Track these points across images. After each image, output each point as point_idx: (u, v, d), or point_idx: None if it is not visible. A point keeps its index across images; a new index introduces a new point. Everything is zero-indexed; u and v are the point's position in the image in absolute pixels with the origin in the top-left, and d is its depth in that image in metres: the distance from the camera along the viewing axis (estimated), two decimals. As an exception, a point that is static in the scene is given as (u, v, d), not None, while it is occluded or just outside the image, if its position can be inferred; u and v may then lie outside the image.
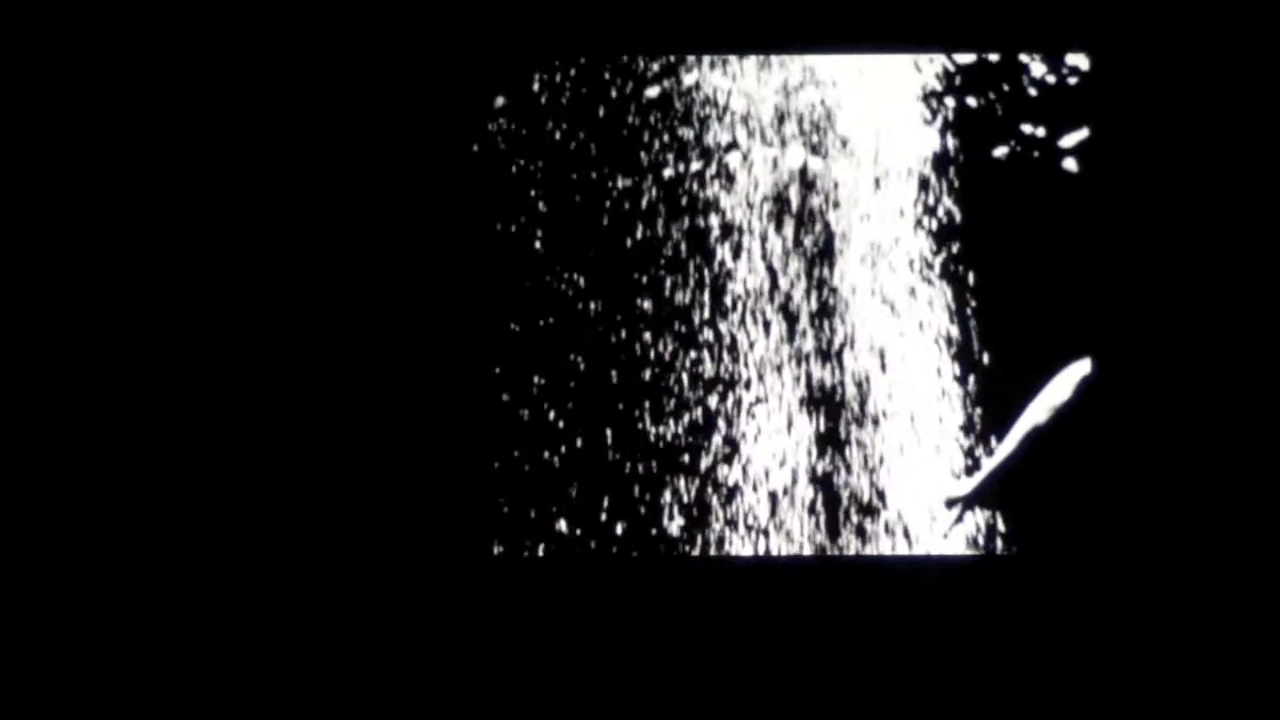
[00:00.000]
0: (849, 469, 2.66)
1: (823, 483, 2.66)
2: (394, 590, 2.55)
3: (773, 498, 2.65)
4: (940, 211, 2.70)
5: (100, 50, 2.58)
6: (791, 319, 2.69)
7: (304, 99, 2.60)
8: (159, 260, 2.58)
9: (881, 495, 2.65)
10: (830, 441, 2.67)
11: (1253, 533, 2.52)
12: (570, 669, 2.53)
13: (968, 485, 2.62)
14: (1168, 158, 2.59)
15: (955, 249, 2.68)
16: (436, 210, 2.63)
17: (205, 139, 2.59)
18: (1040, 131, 2.66)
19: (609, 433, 2.64)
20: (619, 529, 2.62)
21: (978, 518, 2.63)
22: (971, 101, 2.69)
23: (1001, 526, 2.62)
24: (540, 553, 2.61)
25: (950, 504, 2.62)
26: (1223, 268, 2.57)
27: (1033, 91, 2.67)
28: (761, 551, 2.63)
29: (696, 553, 2.62)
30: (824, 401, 2.68)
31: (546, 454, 2.63)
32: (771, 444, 2.66)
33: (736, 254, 2.70)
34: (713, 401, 2.66)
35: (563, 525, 2.62)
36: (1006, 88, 2.68)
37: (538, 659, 2.54)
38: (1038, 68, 2.67)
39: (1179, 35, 2.58)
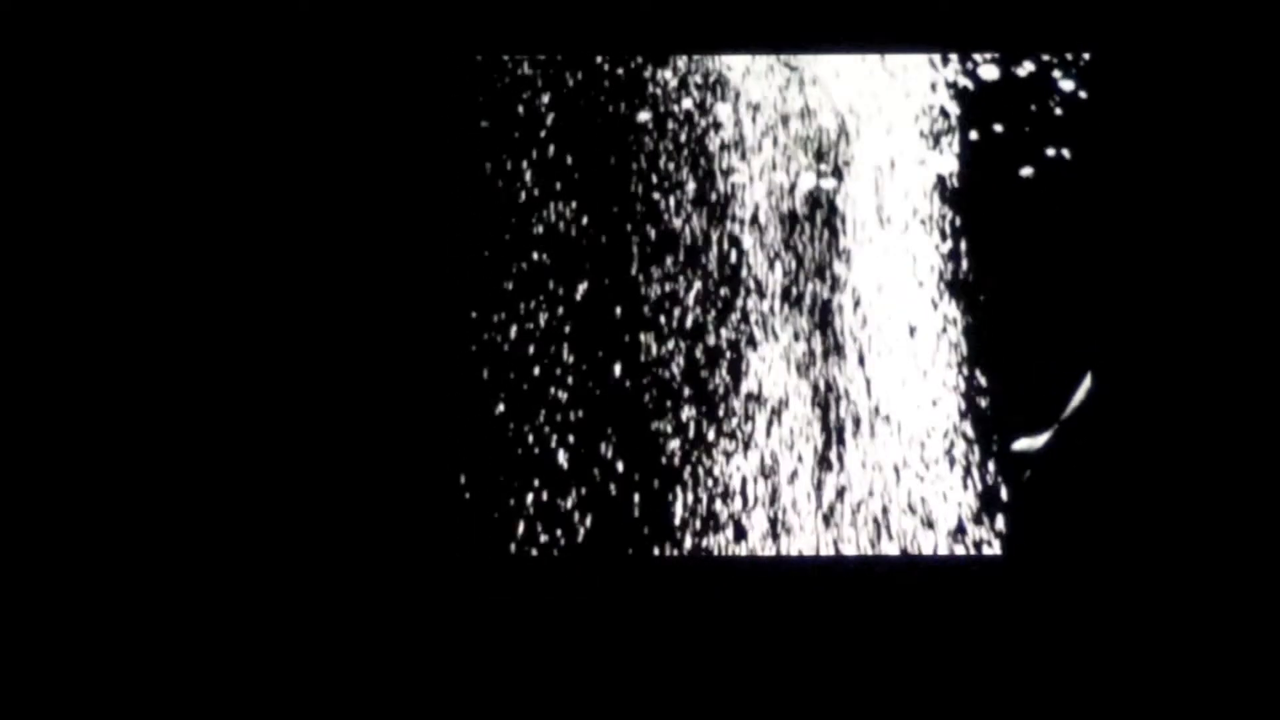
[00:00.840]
0: (852, 469, 2.66)
1: (825, 483, 2.66)
2: (395, 590, 2.56)
3: (774, 496, 2.65)
4: (941, 216, 2.69)
5: (96, 49, 2.58)
6: (797, 326, 2.69)
7: (301, 98, 2.60)
8: (151, 260, 2.58)
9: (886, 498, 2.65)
10: (835, 447, 2.67)
11: (1252, 534, 2.52)
12: (568, 669, 2.55)
13: (1040, 439, 2.59)
14: (1171, 156, 2.58)
15: (957, 256, 2.68)
16: (437, 210, 2.63)
17: (195, 138, 2.59)
18: (1041, 131, 2.65)
19: (607, 432, 2.65)
20: (614, 529, 2.63)
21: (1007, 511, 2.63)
22: (973, 104, 2.68)
23: (1000, 527, 2.62)
24: (535, 551, 2.62)
25: (1021, 456, 2.60)
26: (1224, 268, 2.56)
27: (1033, 92, 2.66)
28: (761, 551, 2.63)
29: (695, 553, 2.63)
30: (826, 406, 2.69)
31: (543, 451, 2.64)
32: (771, 445, 2.67)
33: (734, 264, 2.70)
34: (710, 403, 2.67)
35: (558, 525, 2.63)
36: (1007, 90, 2.66)
37: (537, 659, 2.55)
38: (1038, 70, 2.65)
39: (1183, 35, 2.57)
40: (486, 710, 2.53)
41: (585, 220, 2.68)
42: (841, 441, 2.67)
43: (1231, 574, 2.51)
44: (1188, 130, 2.57)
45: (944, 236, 2.69)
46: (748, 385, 2.67)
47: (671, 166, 2.69)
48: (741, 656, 2.55)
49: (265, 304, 2.58)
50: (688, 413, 2.66)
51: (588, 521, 2.63)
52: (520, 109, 2.68)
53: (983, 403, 2.64)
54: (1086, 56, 2.63)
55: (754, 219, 2.71)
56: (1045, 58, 2.65)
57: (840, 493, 2.65)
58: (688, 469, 2.65)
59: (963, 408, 2.65)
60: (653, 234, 2.69)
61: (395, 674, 2.53)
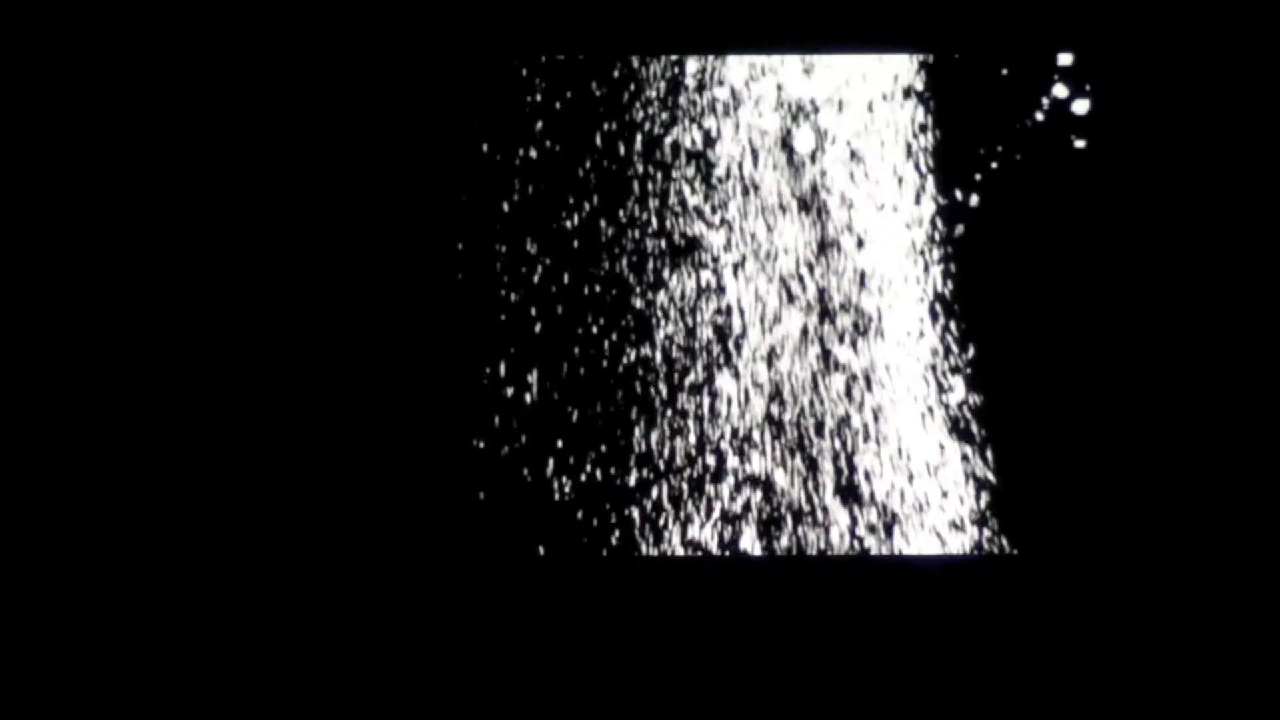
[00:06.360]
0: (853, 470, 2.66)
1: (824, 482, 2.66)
2: (385, 589, 2.55)
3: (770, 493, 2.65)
4: (938, 214, 2.70)
5: (99, 50, 2.59)
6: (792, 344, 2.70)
7: (302, 98, 2.61)
8: (152, 262, 2.58)
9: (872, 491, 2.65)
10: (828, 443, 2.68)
11: (1253, 532, 2.52)
12: (559, 669, 2.54)
13: None
14: (1164, 154, 2.60)
15: (954, 254, 2.69)
16: (433, 211, 2.64)
17: (194, 139, 2.59)
18: (1034, 129, 2.67)
19: (602, 434, 2.65)
20: (610, 531, 2.62)
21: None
22: (966, 104, 2.69)
23: (1001, 527, 2.62)
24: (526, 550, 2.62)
25: None
26: (1223, 265, 2.57)
27: (1027, 92, 2.68)
28: (762, 549, 2.63)
29: (695, 552, 2.63)
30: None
31: (538, 450, 2.64)
32: (769, 443, 2.67)
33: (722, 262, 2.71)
34: (706, 402, 2.67)
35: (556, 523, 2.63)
36: (1001, 90, 2.68)
37: (529, 658, 2.54)
38: (1030, 69, 2.67)
39: (1170, 33, 2.59)
40: (479, 708, 2.51)
41: (587, 217, 2.69)
42: (843, 439, 2.67)
43: (1240, 571, 2.51)
44: (1180, 128, 2.59)
45: (941, 235, 2.70)
46: (744, 383, 2.68)
47: (670, 163, 2.71)
48: (738, 657, 2.54)
49: (275, 304, 2.58)
50: (684, 411, 2.66)
51: (580, 520, 2.62)
52: (519, 109, 2.69)
53: (986, 401, 2.64)
54: (1072, 56, 2.66)
55: (750, 218, 2.72)
56: (1036, 57, 2.67)
57: (842, 490, 2.65)
58: (684, 468, 2.64)
59: (965, 406, 2.66)
60: (650, 231, 2.70)
61: (389, 672, 2.52)
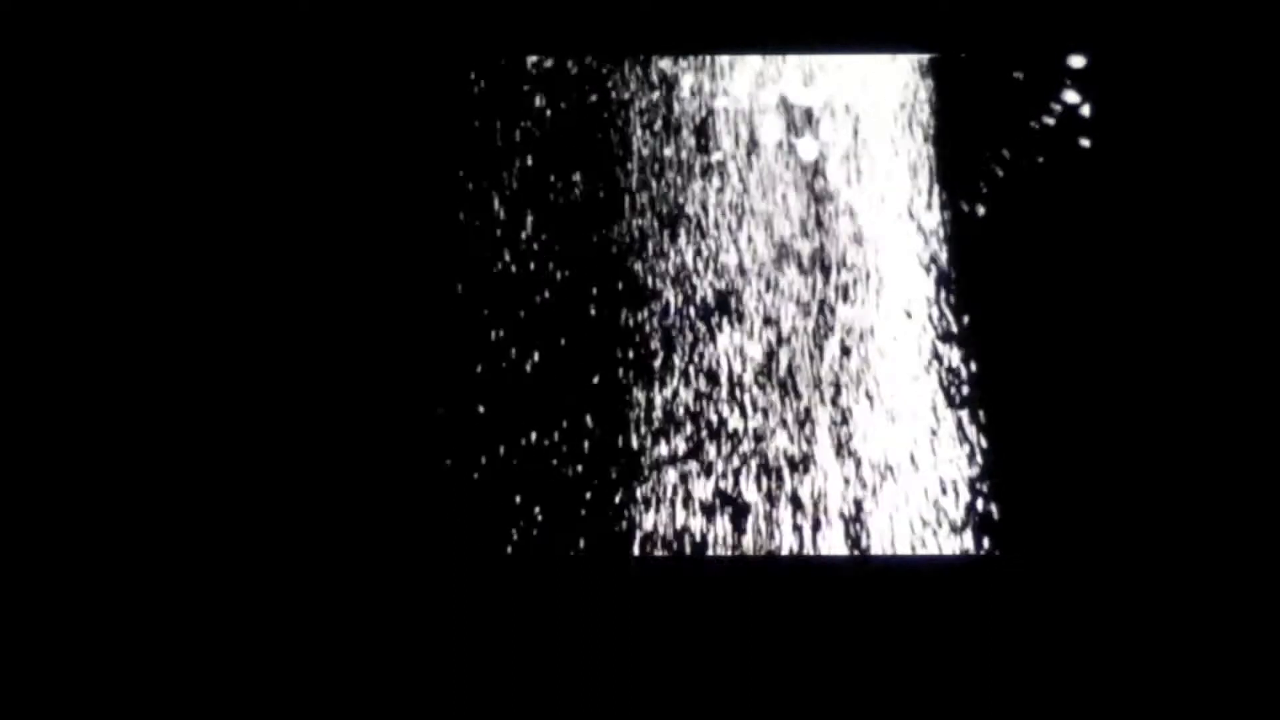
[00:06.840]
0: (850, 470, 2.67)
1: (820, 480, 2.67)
2: (386, 588, 2.56)
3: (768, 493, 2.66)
4: (932, 211, 2.70)
5: (100, 50, 2.59)
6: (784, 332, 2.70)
7: (301, 98, 2.61)
8: (148, 261, 2.59)
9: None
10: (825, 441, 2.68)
11: (1249, 532, 2.52)
12: (558, 669, 2.55)
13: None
14: (1166, 156, 2.59)
15: (949, 254, 2.68)
16: (429, 210, 2.64)
17: (189, 138, 2.60)
18: (1037, 132, 2.66)
19: (591, 428, 2.65)
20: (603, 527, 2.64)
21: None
22: (965, 104, 2.68)
23: (997, 527, 2.63)
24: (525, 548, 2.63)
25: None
26: (1219, 265, 2.57)
27: (1028, 93, 2.66)
28: (759, 549, 2.64)
29: (692, 551, 2.64)
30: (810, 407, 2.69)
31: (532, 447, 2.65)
32: (761, 442, 2.67)
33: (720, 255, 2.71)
34: (699, 401, 2.67)
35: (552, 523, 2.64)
36: (1001, 91, 2.67)
37: (525, 658, 2.55)
38: (1035, 71, 2.66)
39: (1179, 36, 2.58)
40: (473, 709, 2.53)
41: (586, 219, 2.69)
42: (841, 439, 2.67)
43: (1229, 572, 2.52)
44: (1184, 130, 2.58)
45: (942, 235, 2.69)
46: (743, 382, 2.68)
47: (669, 165, 2.70)
48: (730, 658, 2.55)
49: (260, 303, 2.59)
50: (680, 410, 2.66)
51: (576, 520, 2.64)
52: (517, 109, 2.68)
53: (976, 399, 2.64)
54: (1081, 58, 2.64)
55: (744, 214, 2.71)
56: (1041, 58, 2.66)
57: (829, 492, 2.65)
58: (679, 467, 2.65)
59: (956, 404, 2.66)
60: (650, 232, 2.69)
61: (384, 672, 2.53)
